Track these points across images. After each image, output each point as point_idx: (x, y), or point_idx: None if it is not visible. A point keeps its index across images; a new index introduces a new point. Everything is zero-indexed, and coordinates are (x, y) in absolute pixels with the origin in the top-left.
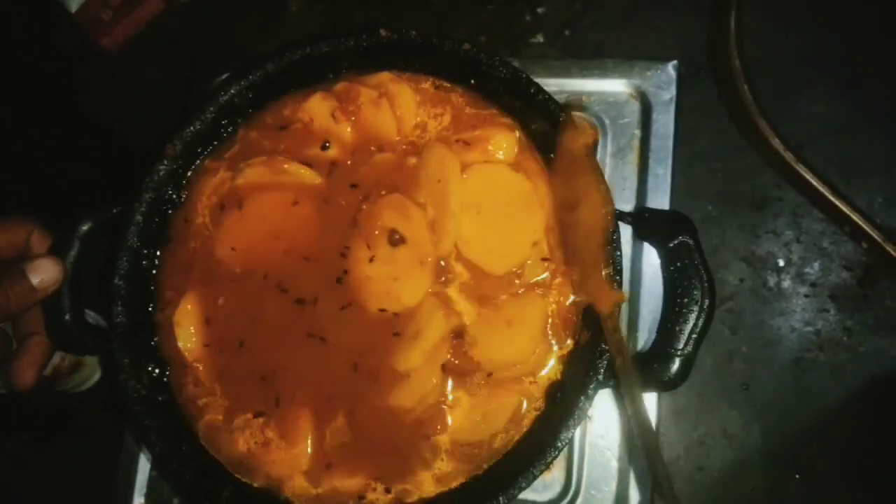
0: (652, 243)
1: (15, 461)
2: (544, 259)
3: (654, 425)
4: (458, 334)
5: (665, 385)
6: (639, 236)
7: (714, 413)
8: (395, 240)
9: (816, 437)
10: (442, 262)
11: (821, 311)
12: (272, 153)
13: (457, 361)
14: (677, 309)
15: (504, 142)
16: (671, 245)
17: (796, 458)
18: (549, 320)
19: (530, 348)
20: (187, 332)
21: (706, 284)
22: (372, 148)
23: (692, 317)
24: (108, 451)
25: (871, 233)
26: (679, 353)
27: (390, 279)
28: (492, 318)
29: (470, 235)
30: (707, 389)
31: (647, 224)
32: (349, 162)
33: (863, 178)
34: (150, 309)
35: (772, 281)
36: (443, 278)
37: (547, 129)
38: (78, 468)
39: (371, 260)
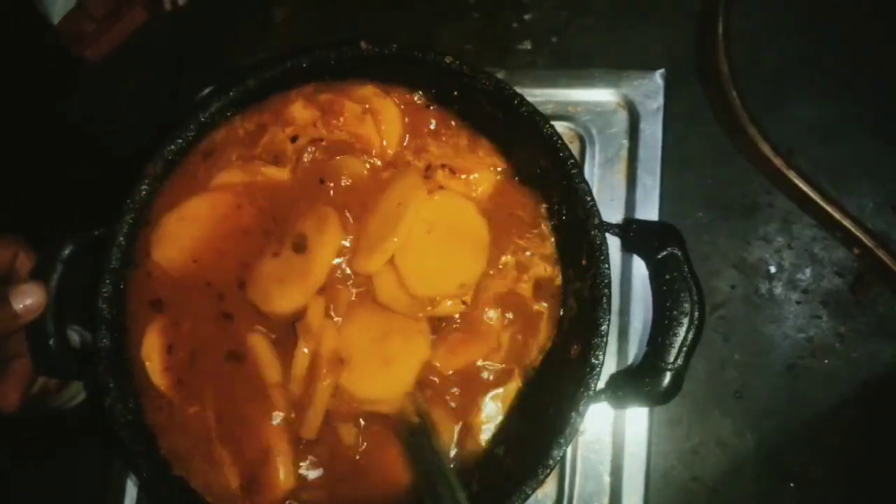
0: (640, 255)
1: (1, 478)
2: (463, 303)
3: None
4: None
5: (657, 400)
6: (626, 248)
7: (707, 421)
8: (298, 245)
9: (810, 443)
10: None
11: (813, 318)
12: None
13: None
14: (667, 322)
15: (483, 181)
16: (659, 257)
17: (790, 466)
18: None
19: (396, 391)
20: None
21: (695, 297)
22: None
23: (682, 330)
24: (97, 469)
25: (863, 238)
26: (670, 367)
27: (275, 279)
28: (371, 350)
29: (411, 249)
30: (700, 398)
31: (634, 236)
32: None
33: (853, 183)
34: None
35: (763, 288)
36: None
37: (533, 148)
38: (66, 485)
39: (274, 255)
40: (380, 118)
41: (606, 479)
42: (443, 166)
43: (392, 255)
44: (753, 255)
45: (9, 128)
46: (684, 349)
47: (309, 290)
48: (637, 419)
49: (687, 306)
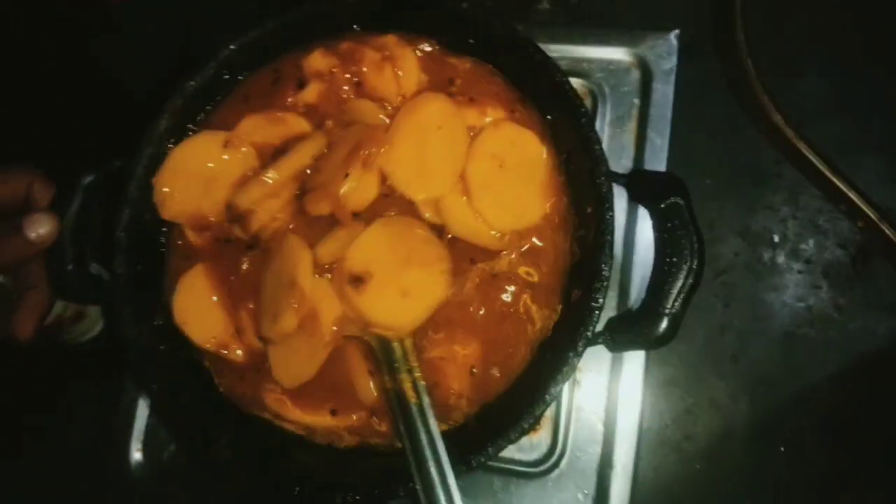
0: (644, 204)
1: (12, 409)
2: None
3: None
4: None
5: (654, 343)
6: (632, 198)
7: (703, 384)
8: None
9: (802, 410)
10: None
11: (813, 288)
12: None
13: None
14: (666, 269)
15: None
16: (662, 206)
17: (782, 430)
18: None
19: (406, 324)
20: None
21: (695, 245)
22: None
23: (681, 276)
24: (106, 401)
25: (867, 211)
26: (667, 311)
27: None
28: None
29: (487, 184)
30: (697, 360)
31: (639, 185)
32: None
33: (861, 158)
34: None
35: (766, 256)
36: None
37: (544, 98)
38: (76, 416)
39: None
40: (398, 64)
41: (600, 427)
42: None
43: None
44: (758, 224)
45: (28, 67)
46: (682, 295)
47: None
48: (633, 376)
49: (687, 253)
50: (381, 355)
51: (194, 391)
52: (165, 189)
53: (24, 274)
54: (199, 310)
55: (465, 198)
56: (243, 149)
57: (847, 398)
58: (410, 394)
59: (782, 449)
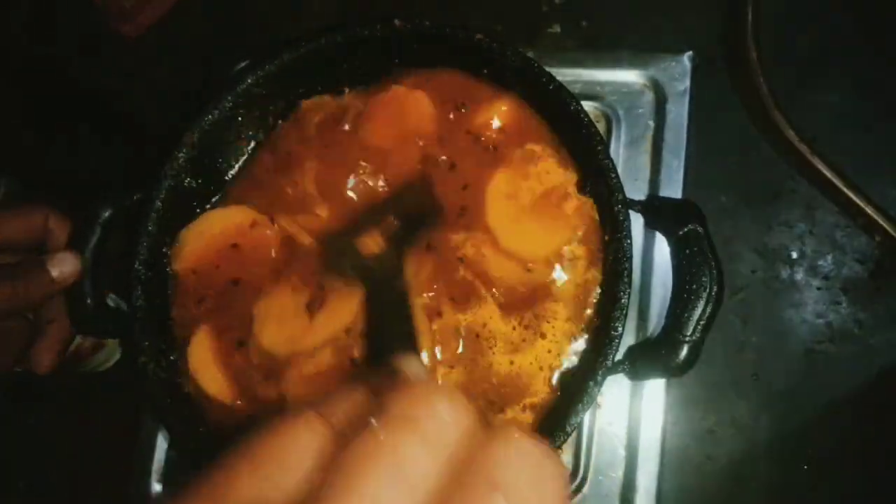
0: (661, 232)
1: (34, 436)
2: None
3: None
4: None
5: (674, 371)
6: (648, 225)
7: (723, 402)
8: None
9: (825, 427)
10: None
11: (833, 304)
12: None
13: None
14: (685, 296)
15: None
16: (680, 233)
17: (804, 449)
18: None
19: None
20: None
21: (714, 272)
22: None
23: (700, 304)
24: (125, 432)
25: (885, 225)
26: (687, 339)
27: None
28: None
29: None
30: (717, 379)
31: (656, 212)
32: None
33: (877, 172)
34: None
35: (784, 273)
36: None
37: (559, 125)
38: (95, 446)
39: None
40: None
41: (621, 451)
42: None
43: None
44: (775, 241)
45: (43, 102)
46: (702, 322)
47: None
48: (653, 397)
49: (706, 280)
50: None
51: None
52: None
53: (45, 307)
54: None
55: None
56: (268, 232)
57: (870, 414)
58: None
59: (806, 467)
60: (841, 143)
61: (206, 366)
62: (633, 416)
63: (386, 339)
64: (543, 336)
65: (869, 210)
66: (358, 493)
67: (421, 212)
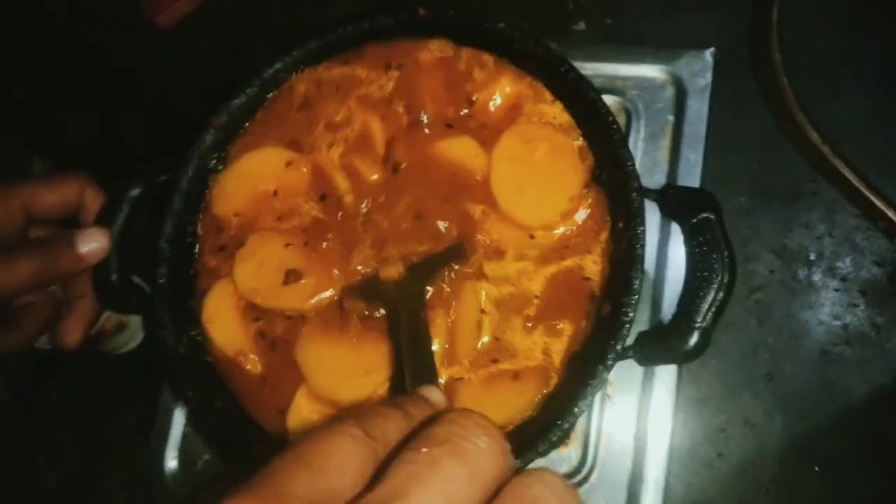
0: (676, 220)
1: (56, 413)
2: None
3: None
4: None
5: (684, 357)
6: (663, 213)
7: (736, 402)
8: None
9: (838, 430)
10: None
11: (850, 306)
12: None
13: None
14: (696, 283)
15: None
16: (694, 221)
17: (817, 450)
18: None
19: None
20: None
21: (726, 260)
22: None
23: (711, 291)
24: (143, 410)
25: None
26: (697, 326)
27: None
28: None
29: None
30: (731, 378)
31: (671, 201)
32: None
33: None
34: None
35: (802, 274)
36: None
37: (578, 114)
38: (115, 423)
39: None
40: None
41: (630, 442)
42: None
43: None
44: (794, 242)
45: (78, 87)
46: (712, 309)
47: None
48: (664, 393)
49: (717, 268)
50: None
51: (229, 400)
52: (227, 189)
53: (73, 283)
54: (225, 314)
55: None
56: (304, 169)
57: (884, 418)
58: None
59: (817, 469)
60: (864, 145)
61: (219, 315)
62: (643, 410)
63: (410, 367)
64: None
65: (890, 213)
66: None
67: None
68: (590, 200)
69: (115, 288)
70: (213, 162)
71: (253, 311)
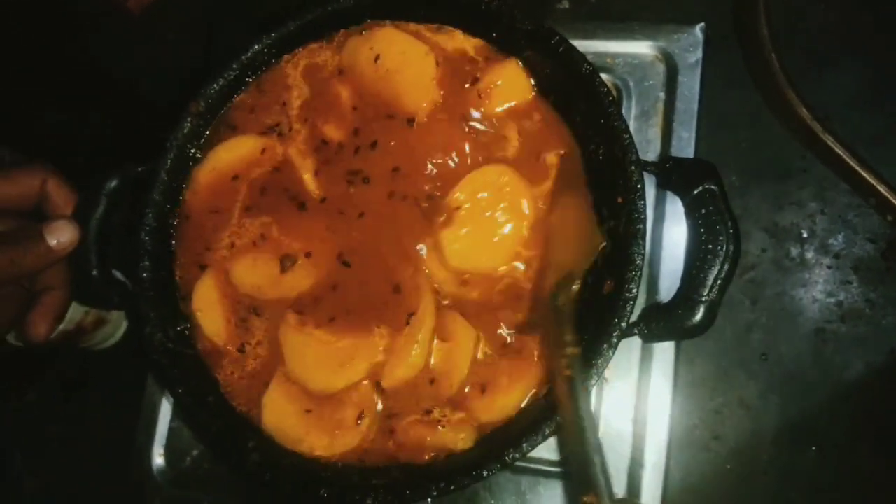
0: (675, 192)
1: (36, 412)
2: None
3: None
4: None
5: (690, 332)
6: (662, 185)
7: (732, 383)
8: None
9: (834, 409)
10: None
11: (843, 283)
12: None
13: None
14: (702, 256)
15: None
16: (695, 192)
17: (813, 430)
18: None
19: None
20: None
21: (731, 231)
22: None
23: (717, 262)
24: (128, 405)
25: None
26: (704, 299)
27: None
28: None
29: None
30: (725, 359)
31: (670, 172)
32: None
33: (889, 151)
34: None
35: (794, 252)
36: None
37: (571, 89)
38: (98, 420)
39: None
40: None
41: (629, 426)
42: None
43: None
44: (786, 220)
45: (48, 76)
46: (718, 282)
47: None
48: (661, 375)
49: (722, 240)
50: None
51: (220, 396)
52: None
53: (41, 276)
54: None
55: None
56: (279, 152)
57: (880, 395)
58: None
59: (814, 448)
60: (854, 121)
61: (209, 305)
62: (642, 394)
63: None
64: None
65: (881, 189)
66: None
67: None
68: None
69: (97, 284)
70: (192, 151)
71: (240, 301)
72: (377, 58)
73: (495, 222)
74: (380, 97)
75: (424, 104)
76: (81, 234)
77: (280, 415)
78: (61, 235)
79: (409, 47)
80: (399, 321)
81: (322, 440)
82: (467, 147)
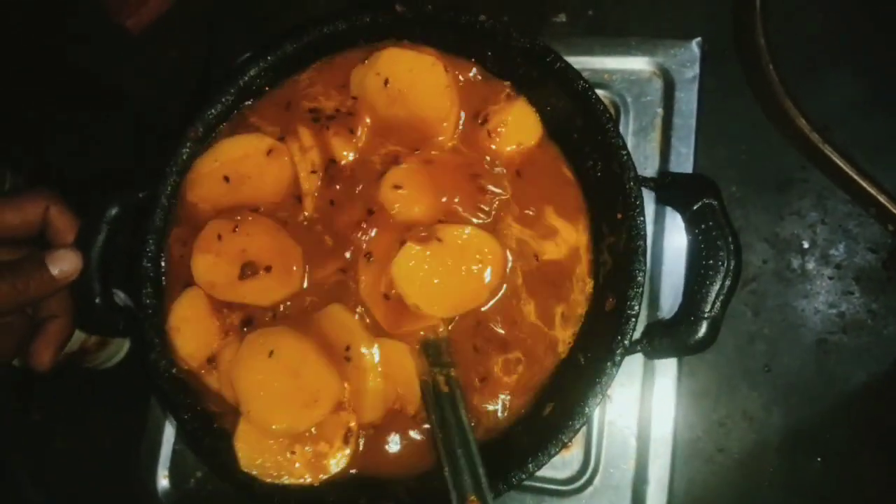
0: (675, 207)
1: (40, 433)
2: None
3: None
4: None
5: (693, 348)
6: (661, 201)
7: (735, 394)
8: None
9: (838, 419)
10: None
11: (845, 294)
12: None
13: None
14: (703, 272)
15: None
16: (695, 208)
17: (817, 441)
18: None
19: None
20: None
21: (731, 246)
22: None
23: (718, 278)
24: (132, 426)
25: None
26: (706, 315)
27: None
28: None
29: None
30: (728, 371)
31: (669, 188)
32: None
33: (889, 161)
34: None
35: (796, 263)
36: None
37: (568, 107)
38: (102, 441)
39: None
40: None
41: (633, 442)
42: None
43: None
44: (786, 231)
45: (47, 96)
46: (720, 297)
47: None
48: (664, 389)
49: (723, 255)
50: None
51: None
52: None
53: (44, 304)
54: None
55: None
56: (285, 158)
57: (883, 405)
58: (443, 386)
59: (819, 459)
60: (853, 131)
61: (185, 323)
62: (644, 409)
63: None
64: None
65: (882, 199)
66: None
67: None
68: None
69: (100, 312)
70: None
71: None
72: (386, 82)
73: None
74: (399, 123)
75: (445, 124)
76: (84, 263)
77: (256, 456)
78: (64, 264)
79: (415, 62)
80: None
81: (306, 473)
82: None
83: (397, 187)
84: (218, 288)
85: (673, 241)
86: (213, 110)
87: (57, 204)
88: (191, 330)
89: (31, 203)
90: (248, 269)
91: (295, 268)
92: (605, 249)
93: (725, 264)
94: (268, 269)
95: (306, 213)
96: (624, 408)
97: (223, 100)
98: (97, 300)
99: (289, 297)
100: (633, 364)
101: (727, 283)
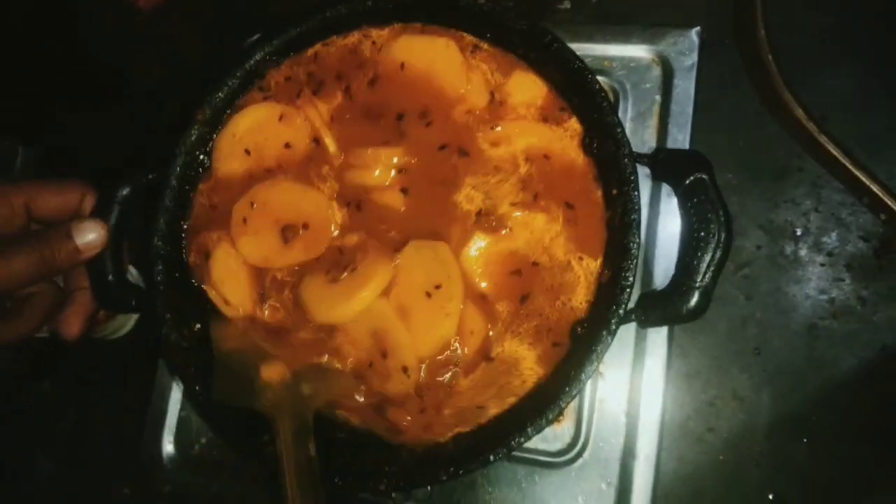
0: (669, 182)
1: (49, 401)
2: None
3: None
4: None
5: (685, 317)
6: (655, 177)
7: (725, 376)
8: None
9: (826, 402)
10: None
11: (836, 280)
12: None
13: None
14: (694, 244)
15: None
16: (687, 182)
17: (804, 423)
18: None
19: None
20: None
21: (722, 218)
22: None
23: (709, 250)
24: (138, 394)
25: (890, 204)
26: (698, 285)
27: None
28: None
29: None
30: (719, 353)
31: (663, 164)
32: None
33: (884, 152)
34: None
35: (789, 249)
36: None
37: (565, 86)
38: (109, 409)
39: None
40: None
41: (623, 418)
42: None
43: None
44: (780, 217)
45: (55, 74)
46: (711, 268)
47: None
48: (655, 367)
49: (714, 227)
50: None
51: None
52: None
53: (73, 274)
54: (230, 276)
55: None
56: (298, 121)
57: (870, 390)
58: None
59: (805, 441)
60: (848, 123)
61: (229, 275)
62: (635, 386)
63: None
64: None
65: (875, 188)
66: None
67: None
68: None
69: (113, 289)
70: (201, 156)
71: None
72: (402, 66)
73: None
74: (416, 92)
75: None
76: (109, 234)
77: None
78: (88, 234)
79: (429, 45)
80: None
81: None
82: None
83: None
84: (272, 259)
85: (667, 218)
86: (219, 94)
87: (92, 196)
88: (234, 281)
89: (71, 190)
90: (288, 233)
91: (329, 211)
92: (602, 223)
93: (716, 236)
94: (305, 226)
95: (331, 151)
96: (615, 384)
97: (229, 83)
98: (110, 277)
99: (336, 240)
100: (625, 342)
101: (718, 254)
